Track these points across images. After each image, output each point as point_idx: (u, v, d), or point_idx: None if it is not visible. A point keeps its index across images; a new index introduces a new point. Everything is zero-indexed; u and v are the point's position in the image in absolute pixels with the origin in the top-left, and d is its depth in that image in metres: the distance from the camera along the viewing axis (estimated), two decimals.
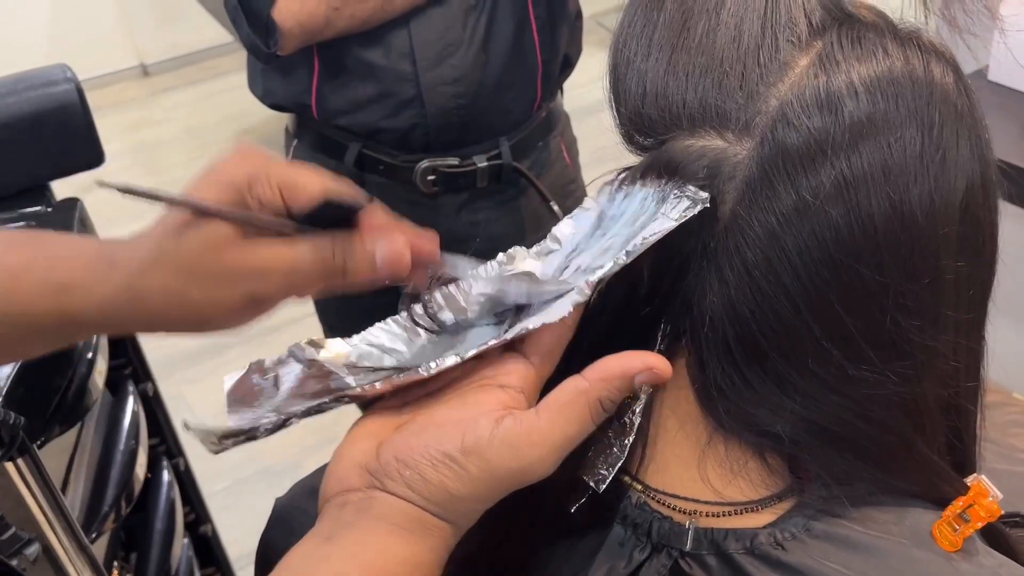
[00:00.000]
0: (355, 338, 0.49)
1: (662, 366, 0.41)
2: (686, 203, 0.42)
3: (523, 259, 0.49)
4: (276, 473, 2.07)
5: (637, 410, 0.46)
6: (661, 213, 0.42)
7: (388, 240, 0.48)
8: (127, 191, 0.46)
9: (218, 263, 0.46)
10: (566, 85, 1.35)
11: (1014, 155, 1.19)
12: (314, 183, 0.48)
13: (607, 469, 0.46)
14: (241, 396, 0.47)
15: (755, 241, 0.42)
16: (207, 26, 3.33)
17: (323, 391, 0.46)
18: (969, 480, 0.48)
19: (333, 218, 0.47)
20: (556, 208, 1.25)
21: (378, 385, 0.43)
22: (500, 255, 0.50)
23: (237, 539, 1.58)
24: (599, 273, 0.42)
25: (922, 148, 0.41)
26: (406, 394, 0.44)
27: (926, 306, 0.43)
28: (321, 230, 0.47)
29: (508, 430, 0.39)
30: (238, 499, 2.02)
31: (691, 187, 0.42)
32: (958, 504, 0.47)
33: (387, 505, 0.39)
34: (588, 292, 0.42)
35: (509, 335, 0.42)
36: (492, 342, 0.42)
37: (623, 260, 0.41)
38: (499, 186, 1.27)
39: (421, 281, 0.50)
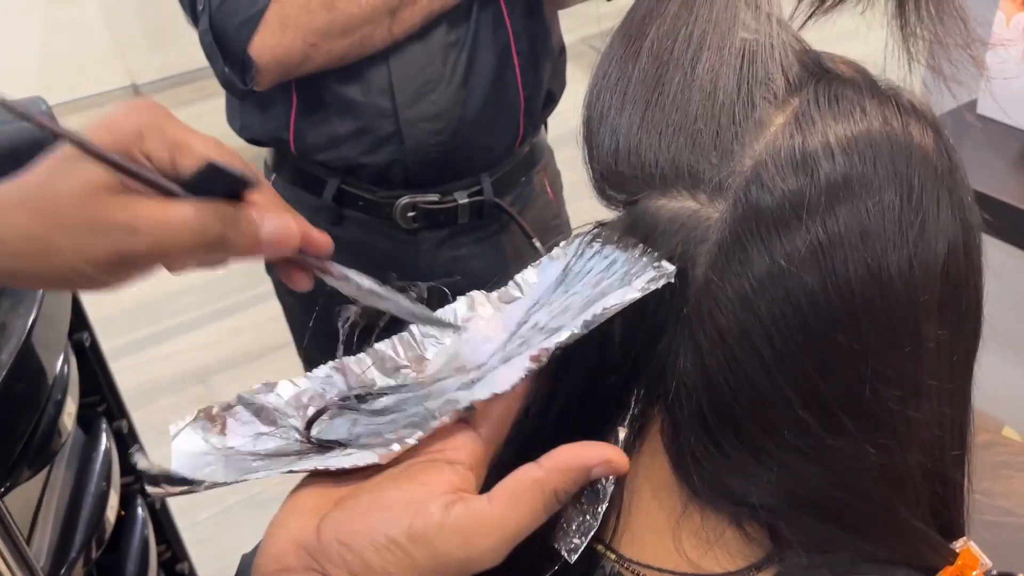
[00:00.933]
0: (304, 379, 0.48)
1: (619, 459, 0.40)
2: (651, 273, 0.40)
3: (484, 305, 0.48)
4: (262, 503, 2.04)
5: (611, 477, 0.45)
6: (626, 283, 0.41)
7: (278, 216, 0.46)
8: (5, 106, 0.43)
9: (87, 211, 0.43)
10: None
11: (1003, 191, 1.18)
12: (207, 147, 0.45)
13: (580, 538, 0.44)
14: (186, 443, 0.46)
15: (728, 306, 0.40)
16: (198, 47, 3.32)
17: (277, 452, 0.45)
18: (957, 546, 0.47)
19: (221, 188, 0.44)
20: (539, 244, 1.24)
21: (332, 468, 0.41)
22: (460, 299, 0.49)
23: (220, 570, 1.55)
24: (554, 340, 0.40)
25: (901, 212, 0.40)
26: None
27: (907, 375, 0.42)
28: (209, 198, 0.44)
29: (459, 518, 0.37)
30: (221, 529, 1.99)
31: (660, 260, 0.41)
32: (946, 574, 0.45)
33: None
34: (544, 360, 0.40)
35: (462, 407, 0.41)
36: (446, 419, 0.41)
37: (579, 331, 0.40)
38: (481, 222, 1.26)
39: (303, 283, 0.48)
